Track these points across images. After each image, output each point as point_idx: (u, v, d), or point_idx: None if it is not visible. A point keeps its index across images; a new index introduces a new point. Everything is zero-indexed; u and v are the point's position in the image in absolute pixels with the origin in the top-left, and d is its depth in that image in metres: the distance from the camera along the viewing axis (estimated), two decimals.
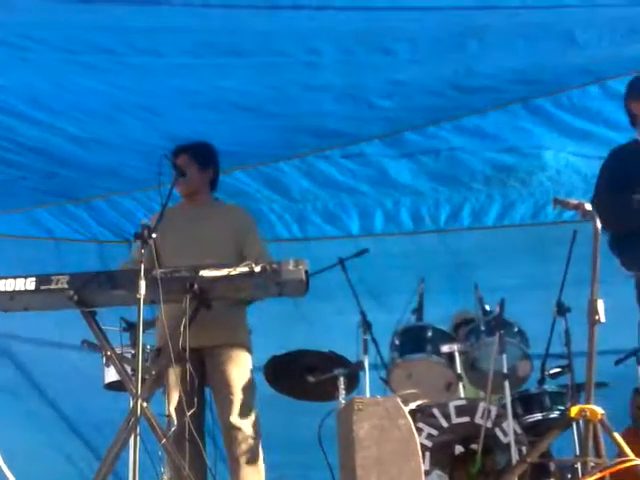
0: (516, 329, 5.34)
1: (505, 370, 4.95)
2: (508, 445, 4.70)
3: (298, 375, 5.47)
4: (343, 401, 5.01)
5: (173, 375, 4.36)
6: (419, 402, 5.00)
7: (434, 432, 4.82)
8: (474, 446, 4.76)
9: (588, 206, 3.82)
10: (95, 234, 6.88)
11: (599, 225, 3.73)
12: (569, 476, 4.93)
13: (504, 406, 4.88)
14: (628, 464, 3.56)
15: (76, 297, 4.19)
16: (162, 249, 4.52)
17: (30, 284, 4.23)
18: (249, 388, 4.55)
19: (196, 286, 4.15)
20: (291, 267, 4.16)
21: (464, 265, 6.74)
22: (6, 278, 4.26)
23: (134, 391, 3.98)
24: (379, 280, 6.66)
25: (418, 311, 5.81)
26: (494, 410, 4.85)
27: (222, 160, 5.12)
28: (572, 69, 5.17)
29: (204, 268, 4.18)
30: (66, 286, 4.20)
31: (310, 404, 5.63)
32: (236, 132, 5.63)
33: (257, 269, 4.15)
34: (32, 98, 5.15)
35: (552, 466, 4.91)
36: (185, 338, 4.10)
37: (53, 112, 5.28)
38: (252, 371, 4.64)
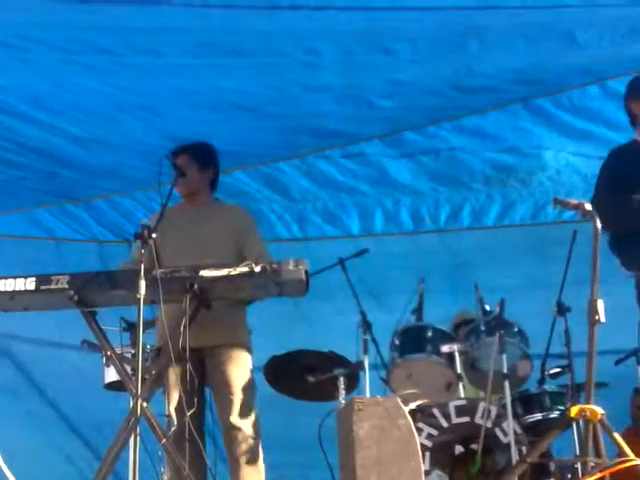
0: (516, 329, 5.34)
1: (505, 370, 4.95)
2: (508, 445, 4.71)
3: (298, 375, 5.47)
4: (343, 401, 5.01)
5: (173, 375, 4.36)
6: (419, 402, 5.00)
7: (434, 432, 4.82)
8: (474, 446, 4.76)
9: (588, 206, 3.82)
10: (95, 234, 6.88)
11: (599, 225, 3.73)
12: (569, 476, 4.93)
13: (504, 406, 4.88)
14: (628, 464, 3.56)
15: (76, 297, 4.19)
16: (162, 249, 4.52)
17: (30, 284, 4.24)
18: (249, 388, 4.55)
19: (196, 286, 4.15)
20: (291, 267, 4.16)
21: (464, 265, 6.74)
22: (6, 278, 4.26)
23: (134, 391, 3.99)
24: (379, 280, 6.66)
25: (418, 311, 5.81)
26: (494, 410, 4.85)
27: (222, 160, 5.12)
28: (572, 69, 5.17)
29: (204, 268, 4.18)
30: (66, 286, 4.20)
31: (310, 404, 5.63)
32: (236, 132, 5.63)
33: (257, 269, 4.15)
34: (32, 98, 5.14)
35: (552, 466, 4.91)
36: (185, 338, 4.10)
37: (53, 112, 5.28)
38: (252, 371, 4.64)
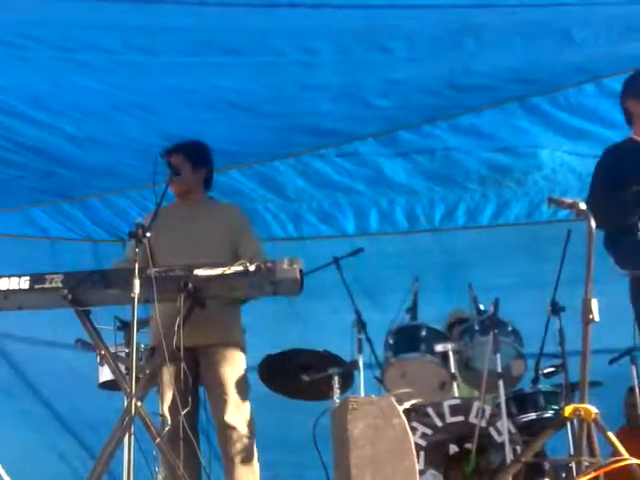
0: (510, 328, 5.34)
1: (499, 369, 4.95)
2: (502, 444, 4.70)
3: (292, 374, 5.46)
4: (337, 400, 5.00)
5: (167, 374, 4.35)
6: (413, 401, 5.00)
7: (428, 431, 4.82)
8: (468, 445, 4.76)
9: (582, 205, 3.82)
10: (90, 233, 6.87)
11: (593, 224, 3.73)
12: (563, 475, 4.93)
13: (498, 405, 4.89)
14: (622, 463, 3.57)
15: (70, 296, 4.19)
16: (156, 248, 4.52)
17: (24, 283, 4.23)
18: (243, 387, 4.54)
19: (190, 285, 4.14)
20: (286, 266, 4.16)
21: (459, 264, 6.75)
22: (0, 277, 4.25)
23: (128, 390, 3.98)
24: (374, 279, 6.66)
25: (412, 310, 5.81)
26: (488, 409, 4.85)
27: (218, 159, 5.12)
28: (569, 67, 5.17)
29: (198, 267, 4.18)
30: (60, 285, 4.20)
31: (304, 403, 5.63)
32: (232, 131, 5.63)
33: (252, 268, 4.15)
34: (29, 97, 5.14)
35: (546, 465, 4.91)
36: (179, 337, 4.10)
37: (50, 111, 5.28)
38: (246, 370, 4.64)
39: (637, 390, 5.44)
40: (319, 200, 6.52)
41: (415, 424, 4.77)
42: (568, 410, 3.70)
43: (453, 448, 4.83)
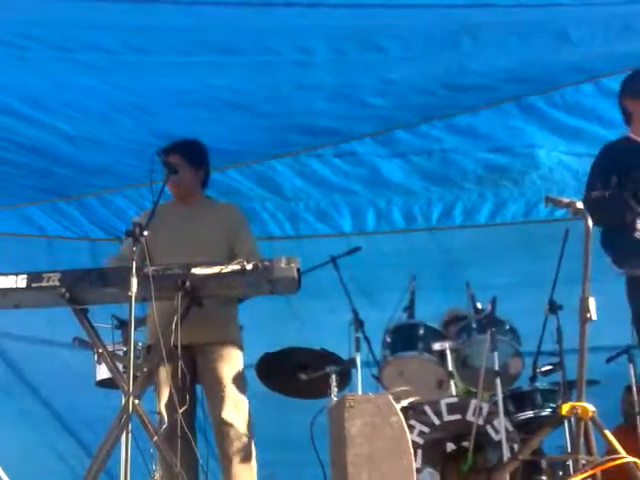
0: (508, 327, 5.35)
1: (497, 368, 4.96)
2: (499, 442, 4.71)
3: (290, 372, 5.47)
4: (335, 398, 5.01)
5: (163, 372, 4.35)
6: (411, 399, 5.01)
7: (426, 429, 4.82)
8: (465, 443, 4.77)
9: (579, 204, 3.83)
10: (87, 232, 6.87)
11: (590, 223, 3.74)
12: (560, 474, 4.94)
13: (495, 403, 4.89)
14: (619, 462, 3.57)
15: (67, 295, 4.19)
16: (154, 247, 4.51)
17: (21, 281, 4.23)
18: (241, 385, 4.55)
19: (188, 284, 4.14)
20: (283, 265, 4.16)
21: (456, 263, 6.75)
22: None
23: (126, 388, 3.98)
24: (371, 278, 6.66)
25: (410, 309, 5.82)
26: (485, 407, 4.85)
27: (215, 158, 5.12)
28: (565, 67, 5.17)
29: (196, 266, 4.18)
30: (57, 284, 4.20)
31: (302, 401, 5.63)
32: (229, 130, 5.63)
33: (249, 267, 4.15)
34: (28, 96, 5.13)
35: (543, 463, 4.92)
36: (176, 336, 4.10)
37: (48, 110, 5.27)
38: (244, 368, 4.64)
39: (634, 388, 5.46)
40: (316, 199, 6.52)
41: (412, 422, 4.78)
42: (565, 408, 3.71)
43: (450, 446, 4.83)
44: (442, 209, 6.56)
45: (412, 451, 4.04)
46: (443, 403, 4.89)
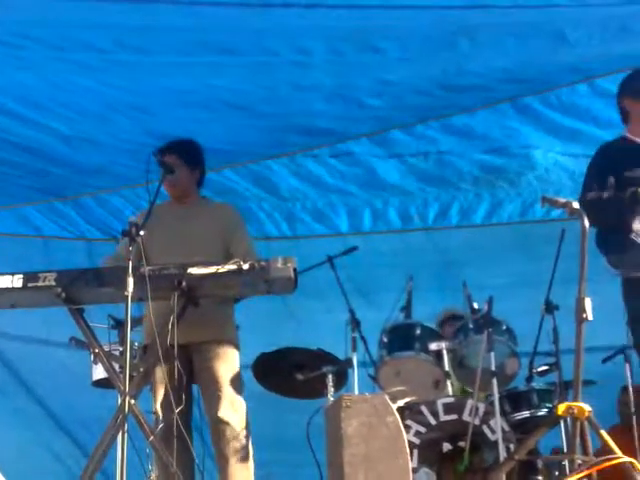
0: (504, 327, 5.35)
1: (493, 368, 4.96)
2: (496, 442, 4.71)
3: (286, 372, 5.47)
4: (331, 398, 5.01)
5: (159, 372, 4.35)
6: (407, 399, 5.01)
7: (422, 429, 4.83)
8: (462, 443, 4.77)
9: (576, 204, 3.83)
10: (83, 232, 6.86)
11: (587, 223, 3.74)
12: (556, 473, 4.95)
13: (492, 404, 4.90)
14: (615, 462, 3.58)
15: (64, 294, 4.19)
16: (150, 247, 4.52)
17: (17, 281, 4.23)
18: (238, 384, 4.54)
19: (184, 283, 4.14)
20: (279, 265, 4.16)
21: (452, 263, 6.75)
22: None
23: (122, 388, 3.98)
24: (368, 278, 6.67)
25: (406, 309, 5.82)
26: (482, 408, 4.86)
27: (212, 158, 5.12)
28: (562, 67, 5.18)
29: (192, 266, 4.18)
30: (53, 283, 4.20)
31: (298, 401, 5.63)
32: (227, 131, 5.63)
33: (245, 267, 4.15)
34: (24, 97, 5.13)
35: (539, 463, 4.92)
36: (173, 335, 4.10)
37: (45, 110, 5.27)
38: (240, 367, 4.64)
39: (630, 389, 5.47)
40: (313, 199, 6.52)
41: (409, 422, 4.78)
42: (562, 408, 3.71)
43: (446, 446, 4.84)
44: (438, 209, 6.56)
45: (408, 451, 4.04)
46: (439, 403, 4.89)
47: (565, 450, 4.71)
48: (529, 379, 5.46)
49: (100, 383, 5.44)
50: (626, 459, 3.59)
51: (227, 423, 4.43)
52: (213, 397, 4.48)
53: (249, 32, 4.69)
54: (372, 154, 6.03)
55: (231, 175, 6.22)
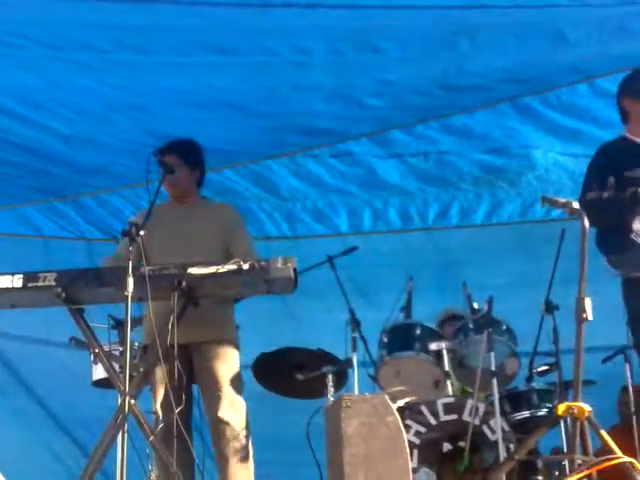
0: (504, 327, 5.35)
1: (493, 368, 4.96)
2: (496, 442, 4.71)
3: (286, 372, 5.47)
4: (331, 398, 5.01)
5: (159, 372, 4.35)
6: (407, 399, 5.01)
7: (422, 429, 4.83)
8: (462, 443, 4.77)
9: (576, 204, 3.83)
10: (83, 232, 6.86)
11: (587, 223, 3.74)
12: (556, 473, 4.94)
13: (492, 404, 4.90)
14: (615, 461, 3.58)
15: (64, 294, 4.19)
16: (150, 247, 4.52)
17: (17, 281, 4.23)
18: (238, 384, 4.54)
19: (184, 283, 4.14)
20: (279, 265, 4.16)
21: (452, 263, 6.75)
22: None
23: (122, 388, 3.98)
24: (368, 278, 6.67)
25: (406, 309, 5.82)
26: (482, 408, 4.86)
27: (212, 158, 5.12)
28: (562, 67, 5.18)
29: (192, 266, 4.18)
30: (53, 283, 4.20)
31: (298, 401, 5.63)
32: (226, 131, 5.63)
33: (245, 267, 4.15)
34: (24, 97, 5.13)
35: (539, 463, 4.92)
36: (173, 335, 4.10)
37: (45, 110, 5.27)
38: (240, 367, 4.64)
39: (630, 389, 5.47)
40: (313, 199, 6.53)
41: (409, 422, 4.78)
42: (562, 408, 3.71)
43: (446, 446, 4.84)
44: (438, 209, 6.56)
45: (408, 451, 4.04)
46: (439, 403, 4.89)
47: (565, 450, 4.71)
48: (529, 379, 5.46)
49: (100, 383, 5.44)
50: (626, 459, 3.59)
51: (227, 423, 4.43)
52: (213, 397, 4.48)
53: (249, 32, 4.69)
54: (372, 154, 6.03)
55: (231, 175, 6.22)
